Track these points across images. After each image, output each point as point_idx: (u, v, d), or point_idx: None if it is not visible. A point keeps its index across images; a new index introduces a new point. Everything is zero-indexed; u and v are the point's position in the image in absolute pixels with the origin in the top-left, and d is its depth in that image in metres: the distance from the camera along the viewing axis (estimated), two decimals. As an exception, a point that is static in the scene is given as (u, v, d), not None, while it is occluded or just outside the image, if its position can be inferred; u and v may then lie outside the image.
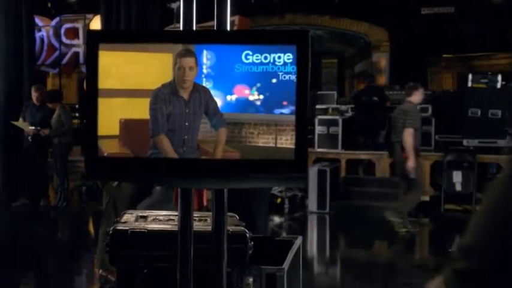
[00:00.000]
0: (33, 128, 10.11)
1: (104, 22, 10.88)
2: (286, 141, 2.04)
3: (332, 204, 10.12)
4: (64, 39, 14.40)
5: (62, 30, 14.38)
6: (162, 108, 2.12)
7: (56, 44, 14.47)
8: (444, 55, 18.83)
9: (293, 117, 1.98)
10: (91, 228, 10.14)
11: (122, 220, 2.77)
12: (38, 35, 13.59)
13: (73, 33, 14.47)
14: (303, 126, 1.97)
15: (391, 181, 10.21)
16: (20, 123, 10.24)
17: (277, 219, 9.91)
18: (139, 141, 2.10)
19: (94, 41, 2.02)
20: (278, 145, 2.11)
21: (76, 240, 8.87)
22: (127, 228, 2.62)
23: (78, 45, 14.38)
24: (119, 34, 2.12)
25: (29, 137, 10.19)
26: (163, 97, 2.12)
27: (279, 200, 10.66)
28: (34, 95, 10.25)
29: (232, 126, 2.15)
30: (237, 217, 2.93)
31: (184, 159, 2.13)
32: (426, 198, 10.12)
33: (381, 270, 7.27)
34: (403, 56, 16.13)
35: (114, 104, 2.09)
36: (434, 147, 10.88)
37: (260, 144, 2.14)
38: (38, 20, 13.69)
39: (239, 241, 2.52)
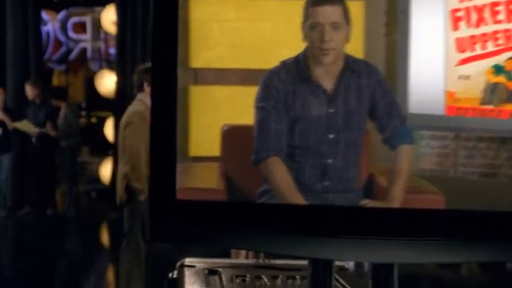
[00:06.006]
0: (37, 129, 9.19)
1: (119, 12, 9.86)
2: None
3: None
4: (71, 34, 13.88)
5: (69, 25, 13.89)
6: (279, 108, 1.13)
7: (63, 39, 13.91)
8: None
9: None
10: (105, 240, 9.23)
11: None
12: (43, 29, 12.86)
13: (80, 27, 14.12)
14: None
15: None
16: (21, 124, 9.28)
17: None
18: (252, 168, 1.13)
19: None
20: None
21: (88, 256, 7.92)
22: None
23: (86, 40, 13.93)
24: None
25: (33, 139, 9.26)
26: (282, 87, 1.14)
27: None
28: (31, 91, 9.28)
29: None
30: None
31: (322, 208, 1.13)
32: None
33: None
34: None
35: (216, 98, 1.12)
36: None
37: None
38: (44, 14, 12.99)
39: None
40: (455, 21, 1.09)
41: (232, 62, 1.12)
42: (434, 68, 1.09)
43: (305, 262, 2.32)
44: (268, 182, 1.13)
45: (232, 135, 1.13)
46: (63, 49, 13.96)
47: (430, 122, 1.12)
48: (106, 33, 13.53)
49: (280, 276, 2.04)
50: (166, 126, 1.12)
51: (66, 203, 9.57)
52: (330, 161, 1.14)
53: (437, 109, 1.10)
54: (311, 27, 1.14)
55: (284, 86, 1.13)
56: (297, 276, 2.06)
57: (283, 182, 1.12)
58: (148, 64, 5.44)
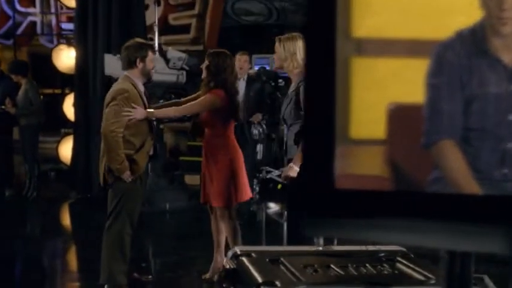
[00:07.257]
0: (-5, 106, 8.77)
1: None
2: None
3: None
4: (18, 7, 13.24)
5: (16, -3, 13.27)
6: (453, 85, 0.99)
7: (10, 12, 13.27)
8: None
9: None
10: (67, 222, 8.91)
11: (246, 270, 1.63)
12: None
13: (28, 0, 13.31)
14: None
15: None
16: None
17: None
18: (421, 153, 1.00)
19: None
20: None
21: (53, 239, 7.59)
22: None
23: (35, 13, 13.32)
24: None
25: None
26: (457, 62, 1.00)
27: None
28: None
29: None
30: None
31: (501, 199, 1.00)
32: None
33: None
34: None
35: (381, 72, 0.97)
36: None
37: None
38: (-11, -15, 12.38)
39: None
40: None
41: (400, 30, 0.97)
42: None
43: (366, 248, 2.19)
44: (440, 168, 1.00)
45: (400, 115, 0.99)
46: (10, 23, 13.33)
47: None
48: (57, 7, 12.98)
49: (349, 264, 1.92)
50: (323, 104, 0.97)
51: (26, 184, 9.17)
52: (510, 145, 1.00)
53: None
54: None
55: (459, 61, 0.99)
56: (367, 264, 1.95)
57: (457, 168, 0.99)
58: (140, 40, 5.17)
